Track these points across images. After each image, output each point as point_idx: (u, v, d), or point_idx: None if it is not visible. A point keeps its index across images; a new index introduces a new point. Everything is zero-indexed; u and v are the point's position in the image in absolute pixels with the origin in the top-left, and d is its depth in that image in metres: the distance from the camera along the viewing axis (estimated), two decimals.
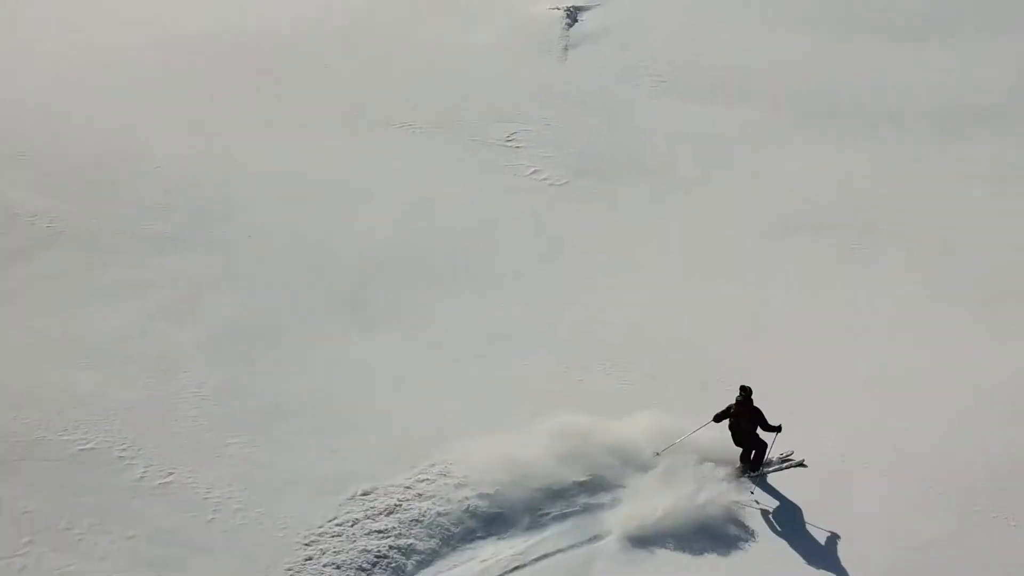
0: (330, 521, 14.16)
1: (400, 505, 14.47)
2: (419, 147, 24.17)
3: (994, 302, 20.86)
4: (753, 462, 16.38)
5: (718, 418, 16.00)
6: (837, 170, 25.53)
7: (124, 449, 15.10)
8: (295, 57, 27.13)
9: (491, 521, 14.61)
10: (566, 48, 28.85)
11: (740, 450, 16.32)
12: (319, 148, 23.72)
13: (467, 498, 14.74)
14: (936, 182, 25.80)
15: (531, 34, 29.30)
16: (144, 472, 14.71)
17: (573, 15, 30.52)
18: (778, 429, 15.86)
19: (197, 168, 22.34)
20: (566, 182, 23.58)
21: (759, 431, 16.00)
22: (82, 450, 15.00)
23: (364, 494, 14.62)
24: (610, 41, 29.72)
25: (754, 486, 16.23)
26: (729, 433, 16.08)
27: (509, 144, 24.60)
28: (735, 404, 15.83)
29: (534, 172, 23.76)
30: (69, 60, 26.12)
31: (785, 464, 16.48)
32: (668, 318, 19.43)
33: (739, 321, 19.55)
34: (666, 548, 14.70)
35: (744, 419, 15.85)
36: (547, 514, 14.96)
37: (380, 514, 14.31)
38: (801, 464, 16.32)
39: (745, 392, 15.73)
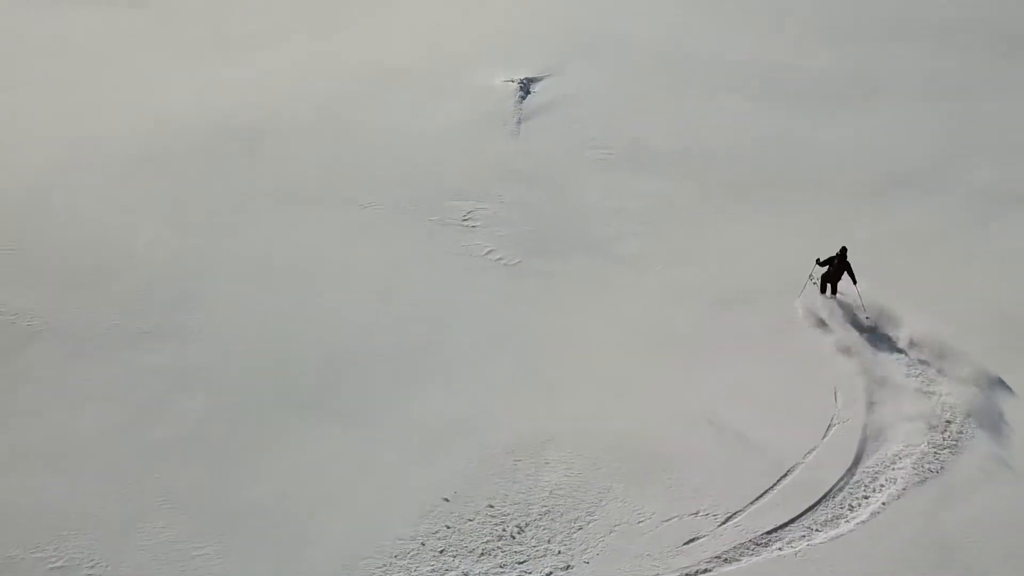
0: None
1: None
2: (383, 230, 23.43)
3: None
4: (831, 291, 22.63)
5: (822, 263, 22.18)
6: (771, 242, 24.73)
7: (93, 566, 14.40)
8: (269, 138, 26.34)
9: None
10: (519, 122, 28.02)
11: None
12: (289, 233, 22.98)
13: None
14: (864, 245, 25.07)
15: (488, 109, 28.57)
16: None
17: (526, 87, 29.72)
18: (855, 280, 21.99)
19: (175, 258, 21.60)
20: (519, 262, 22.86)
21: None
22: (53, 568, 14.21)
23: None
24: (560, 113, 28.99)
25: None
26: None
27: (466, 223, 23.81)
28: (836, 257, 21.98)
29: (489, 252, 23.00)
30: (55, 152, 25.37)
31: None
32: (613, 407, 18.59)
33: (682, 408, 18.70)
34: None
35: (837, 268, 22.05)
36: None
37: None
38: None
39: (843, 249, 21.91)
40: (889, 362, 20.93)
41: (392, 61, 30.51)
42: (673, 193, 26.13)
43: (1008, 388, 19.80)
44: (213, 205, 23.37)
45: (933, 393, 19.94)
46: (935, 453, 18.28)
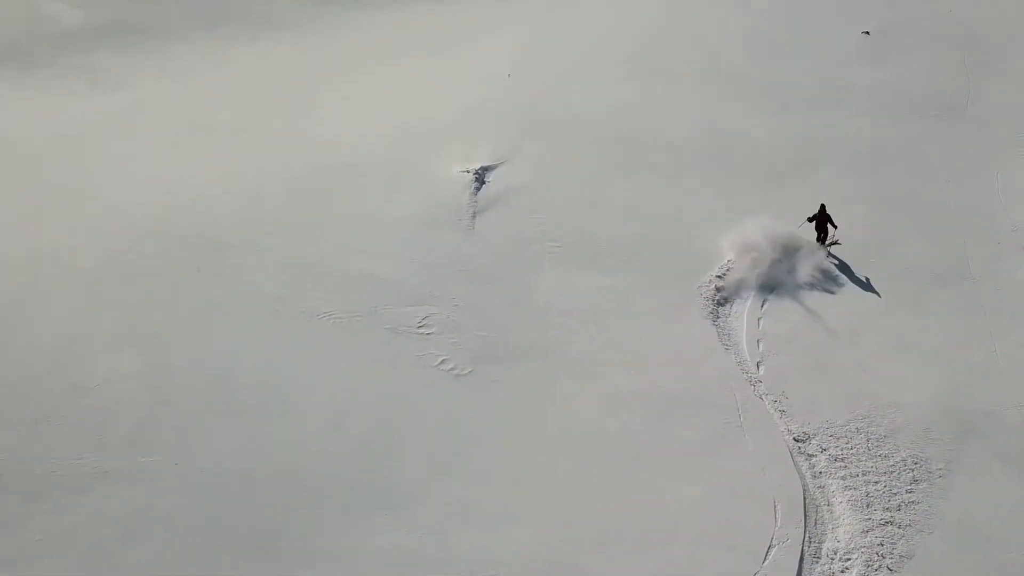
0: None
1: None
2: (340, 343, 22.45)
3: None
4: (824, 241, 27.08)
5: (810, 219, 27.12)
6: (711, 338, 23.83)
7: None
8: (232, 242, 25.00)
9: None
10: (474, 215, 26.91)
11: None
12: (248, 351, 21.89)
13: None
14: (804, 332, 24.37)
15: (444, 201, 27.57)
16: None
17: (481, 177, 28.72)
18: (835, 226, 27.18)
19: (135, 387, 20.56)
20: (470, 371, 21.93)
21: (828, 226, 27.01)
22: None
23: None
24: (513, 204, 28.04)
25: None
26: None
27: (420, 331, 22.84)
28: (818, 213, 27.05)
29: (442, 362, 22.04)
30: (16, 263, 23.96)
31: (832, 244, 27.38)
32: (556, 538, 17.74)
33: (622, 538, 17.81)
34: None
35: (822, 219, 26.92)
36: None
37: None
38: (836, 243, 27.42)
39: (822, 206, 27.03)
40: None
41: (352, 152, 29.43)
42: (621, 288, 25.24)
43: None
44: (175, 322, 22.27)
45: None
46: None
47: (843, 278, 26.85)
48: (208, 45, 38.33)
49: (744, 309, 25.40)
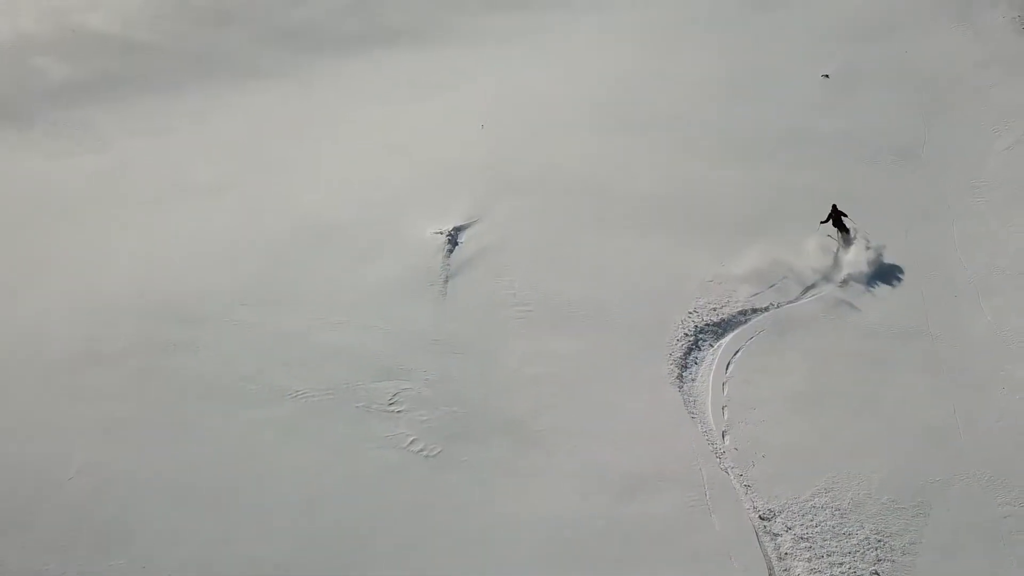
0: None
1: None
2: (312, 424, 21.23)
3: None
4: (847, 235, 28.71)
5: (824, 221, 28.91)
6: (678, 408, 22.72)
7: None
8: (204, 320, 23.70)
9: None
10: (447, 280, 25.72)
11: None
12: (219, 439, 20.71)
13: None
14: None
15: (418, 266, 26.32)
16: None
17: (454, 238, 27.55)
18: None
19: (102, 486, 19.20)
20: (439, 452, 20.86)
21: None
22: None
23: None
24: (485, 266, 26.89)
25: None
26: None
27: (391, 408, 21.72)
28: (832, 212, 28.98)
29: (412, 442, 20.98)
30: None
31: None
32: None
33: None
34: None
35: (837, 217, 28.71)
36: None
37: None
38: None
39: (834, 206, 29.01)
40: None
41: (329, 214, 28.20)
42: (590, 352, 24.15)
43: None
44: (148, 408, 21.12)
45: None
46: None
47: (808, 335, 25.73)
48: (192, 97, 37.15)
49: (710, 373, 24.25)
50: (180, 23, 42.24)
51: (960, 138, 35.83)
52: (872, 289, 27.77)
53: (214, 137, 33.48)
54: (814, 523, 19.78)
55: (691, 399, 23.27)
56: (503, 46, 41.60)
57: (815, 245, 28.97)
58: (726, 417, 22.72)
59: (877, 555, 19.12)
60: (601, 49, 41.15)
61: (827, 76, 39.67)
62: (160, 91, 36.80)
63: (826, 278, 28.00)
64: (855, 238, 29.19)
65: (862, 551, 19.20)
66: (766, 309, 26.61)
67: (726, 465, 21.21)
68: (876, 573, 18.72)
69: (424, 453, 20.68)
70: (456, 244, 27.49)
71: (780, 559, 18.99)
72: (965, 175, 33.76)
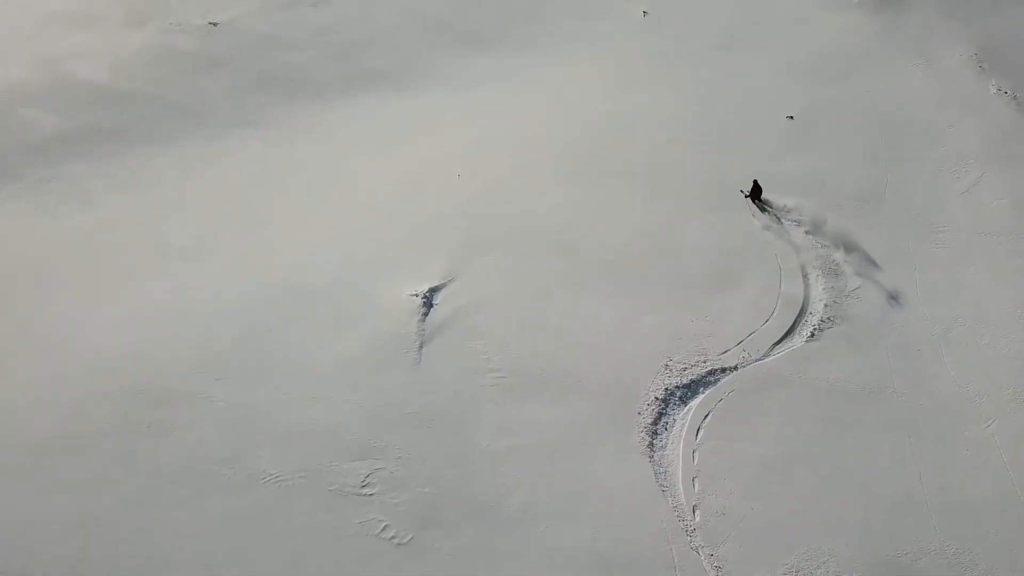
0: None
1: None
2: (282, 511, 20.06)
3: None
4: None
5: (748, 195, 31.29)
6: (648, 480, 21.47)
7: None
8: (180, 396, 22.47)
9: None
10: (421, 346, 24.34)
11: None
12: (192, 526, 19.43)
13: None
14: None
15: (392, 334, 24.96)
16: None
17: (429, 300, 26.21)
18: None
19: None
20: (411, 539, 19.71)
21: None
22: None
23: None
24: (459, 329, 25.56)
25: None
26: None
27: (364, 491, 20.55)
28: (753, 187, 31.11)
29: (384, 528, 19.84)
30: None
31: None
32: None
33: None
34: None
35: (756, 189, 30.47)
36: None
37: None
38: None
39: (755, 181, 31.24)
40: None
41: (306, 277, 26.77)
42: (561, 421, 23.01)
43: None
44: (121, 497, 19.74)
45: None
46: None
47: (776, 395, 24.53)
48: (177, 148, 35.51)
49: (680, 439, 23.02)
50: (167, 70, 40.57)
51: (920, 181, 34.65)
52: (837, 342, 26.56)
53: (197, 192, 31.95)
54: None
55: (662, 470, 22.13)
56: (478, 89, 40.15)
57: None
58: (696, 489, 21.56)
59: None
60: (570, 92, 39.73)
61: (791, 118, 38.31)
62: (146, 142, 35.19)
63: (789, 333, 26.75)
64: (770, 210, 31.62)
65: None
66: (735, 368, 25.42)
67: (696, 544, 19.97)
68: None
69: (396, 540, 19.46)
70: (431, 306, 26.10)
71: None
72: (926, 220, 32.59)
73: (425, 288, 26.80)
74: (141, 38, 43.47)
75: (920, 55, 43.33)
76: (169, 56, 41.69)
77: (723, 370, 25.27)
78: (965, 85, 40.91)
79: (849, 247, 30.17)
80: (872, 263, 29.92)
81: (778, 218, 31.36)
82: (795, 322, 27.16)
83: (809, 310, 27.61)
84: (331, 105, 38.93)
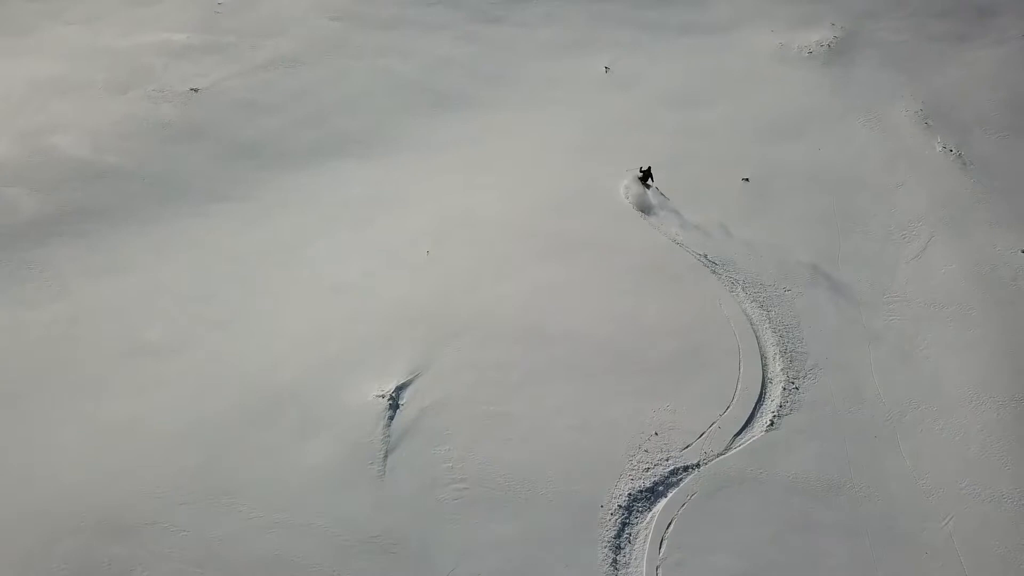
0: None
1: None
2: None
3: None
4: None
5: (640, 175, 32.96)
6: None
7: None
8: (143, 526, 20.32)
9: None
10: (385, 456, 22.17)
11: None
12: None
13: None
14: None
15: (356, 443, 22.67)
16: None
17: (395, 400, 23.95)
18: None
19: None
20: None
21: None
22: None
23: None
24: (424, 433, 23.46)
25: None
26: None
27: None
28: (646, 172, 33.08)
29: None
30: None
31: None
32: None
33: None
34: None
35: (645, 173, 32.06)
36: None
37: None
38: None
39: (648, 168, 32.92)
40: None
41: (272, 381, 24.49)
42: (524, 537, 20.88)
43: None
44: None
45: None
46: None
47: (737, 496, 22.49)
48: (154, 227, 33.02)
49: (643, 555, 20.93)
50: (148, 142, 38.01)
51: (871, 247, 32.65)
52: (796, 431, 24.51)
53: (170, 280, 29.56)
54: None
55: None
56: (446, 155, 37.87)
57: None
58: None
59: None
60: (536, 157, 37.44)
61: (747, 180, 36.14)
62: (124, 222, 32.71)
63: (749, 422, 24.74)
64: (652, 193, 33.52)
65: None
66: (697, 466, 23.38)
67: None
68: None
69: None
70: (397, 407, 23.89)
71: None
72: (877, 290, 30.59)
73: (391, 387, 24.60)
74: (123, 106, 40.83)
75: (869, 111, 41.25)
76: (150, 126, 39.17)
77: (685, 468, 23.23)
78: (912, 143, 38.90)
79: (796, 327, 28.11)
80: (827, 340, 27.86)
81: (663, 195, 33.42)
82: (754, 409, 25.03)
83: (768, 395, 25.56)
84: (304, 174, 36.55)
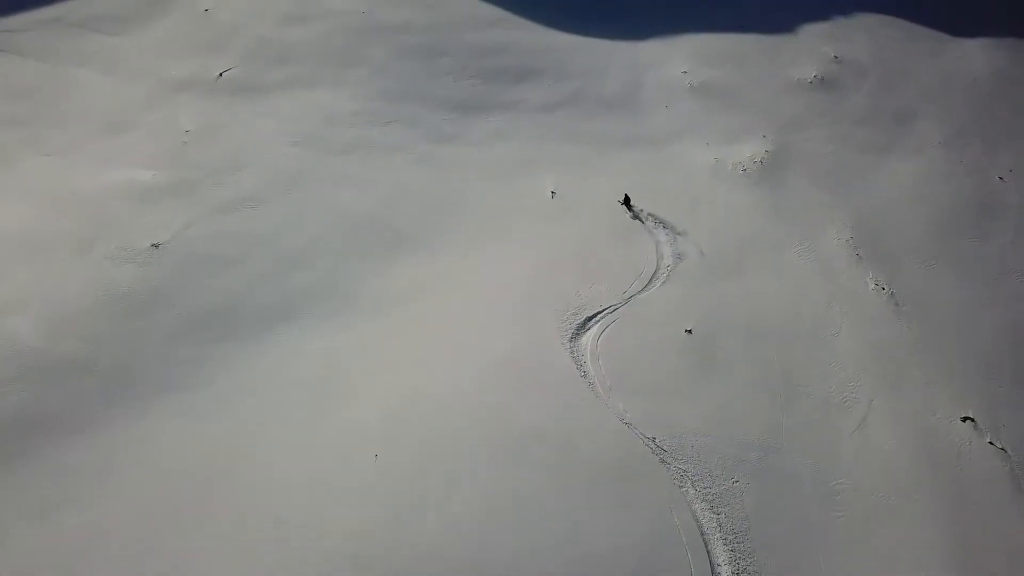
0: None
1: None
2: None
3: None
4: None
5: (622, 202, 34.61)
6: None
7: None
8: None
9: None
10: None
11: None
12: None
13: None
14: None
15: None
16: None
17: None
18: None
19: None
20: None
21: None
22: None
23: None
24: None
25: None
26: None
27: None
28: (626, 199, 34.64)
29: None
30: None
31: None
32: None
33: None
34: None
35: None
36: None
37: None
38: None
39: (626, 195, 34.97)
40: None
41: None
42: None
43: None
44: None
45: None
46: None
47: None
48: (100, 434, 27.45)
49: None
50: (104, 319, 32.22)
51: (812, 419, 27.67)
52: None
53: (114, 513, 24.05)
54: None
55: None
56: (399, 308, 32.36)
57: None
58: None
59: None
60: (488, 308, 32.08)
61: (690, 331, 30.86)
62: (68, 431, 27.04)
63: None
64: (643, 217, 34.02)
65: None
66: None
67: None
68: None
69: None
70: None
71: None
72: (822, 476, 25.67)
73: None
74: (86, 271, 34.89)
75: (803, 239, 36.01)
76: (109, 298, 33.27)
77: None
78: (845, 279, 33.75)
79: (746, 533, 23.12)
80: (775, 548, 22.81)
81: (645, 221, 34.36)
82: None
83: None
84: (257, 350, 30.87)
